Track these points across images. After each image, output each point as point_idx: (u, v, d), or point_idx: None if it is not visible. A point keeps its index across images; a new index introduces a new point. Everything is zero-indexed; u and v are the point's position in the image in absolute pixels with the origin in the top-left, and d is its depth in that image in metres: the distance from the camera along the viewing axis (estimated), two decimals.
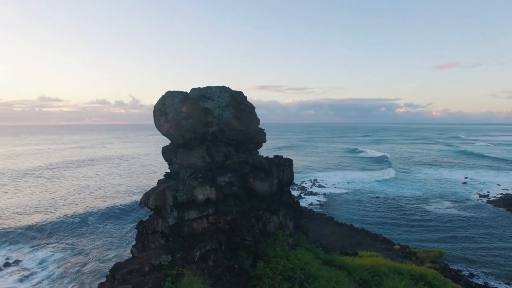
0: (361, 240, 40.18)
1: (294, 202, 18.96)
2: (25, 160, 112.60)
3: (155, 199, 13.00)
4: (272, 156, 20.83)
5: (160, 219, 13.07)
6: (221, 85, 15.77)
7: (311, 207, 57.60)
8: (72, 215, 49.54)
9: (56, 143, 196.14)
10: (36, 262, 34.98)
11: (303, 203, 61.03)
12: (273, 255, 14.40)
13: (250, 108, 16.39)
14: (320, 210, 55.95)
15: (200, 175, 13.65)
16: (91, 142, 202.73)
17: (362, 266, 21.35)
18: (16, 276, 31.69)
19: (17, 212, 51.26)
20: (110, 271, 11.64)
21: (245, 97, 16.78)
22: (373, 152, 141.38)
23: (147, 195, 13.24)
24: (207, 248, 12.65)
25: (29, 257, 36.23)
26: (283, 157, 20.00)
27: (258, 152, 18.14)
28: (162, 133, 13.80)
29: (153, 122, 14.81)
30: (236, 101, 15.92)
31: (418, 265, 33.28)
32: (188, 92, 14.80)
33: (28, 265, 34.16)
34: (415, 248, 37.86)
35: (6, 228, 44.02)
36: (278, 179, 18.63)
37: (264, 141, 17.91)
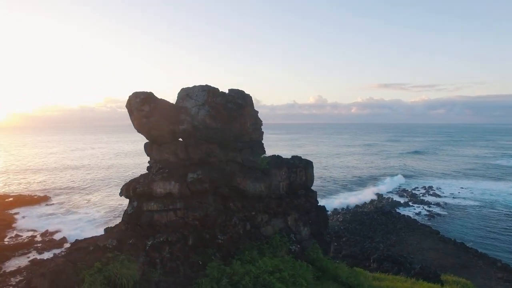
0: (468, 263, 33.13)
1: (312, 207, 17.17)
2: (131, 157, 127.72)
3: (126, 190, 14.16)
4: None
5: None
6: (204, 84, 15.86)
7: (417, 217, 50.57)
8: None
9: None
10: None
11: (409, 212, 54.14)
12: (238, 257, 13.65)
13: (238, 106, 15.83)
14: (429, 222, 48.58)
15: (167, 170, 14.10)
16: None
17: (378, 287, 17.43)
18: None
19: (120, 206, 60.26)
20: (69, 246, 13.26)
21: (245, 96, 16.10)
22: None
23: (124, 186, 14.56)
24: (161, 239, 12.94)
25: None
26: (302, 158, 18.39)
27: (264, 151, 17.24)
28: (136, 130, 14.93)
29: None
30: (226, 99, 15.68)
31: None
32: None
33: None
34: None
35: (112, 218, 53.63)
36: (290, 181, 17.30)
37: (259, 140, 16.81)
